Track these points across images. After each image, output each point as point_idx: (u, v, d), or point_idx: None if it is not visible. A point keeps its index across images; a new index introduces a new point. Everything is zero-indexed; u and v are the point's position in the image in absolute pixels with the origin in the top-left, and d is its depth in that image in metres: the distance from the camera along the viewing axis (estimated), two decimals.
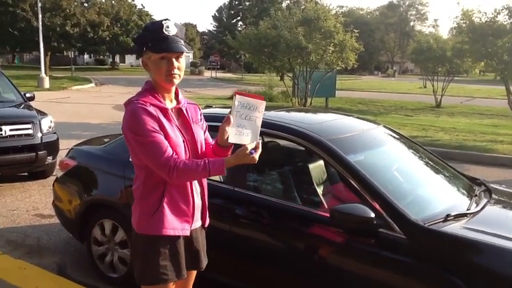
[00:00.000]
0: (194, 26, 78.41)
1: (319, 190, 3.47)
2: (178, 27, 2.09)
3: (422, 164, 3.61)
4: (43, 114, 6.95)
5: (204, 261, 2.36)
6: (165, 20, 2.08)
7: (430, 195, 3.14)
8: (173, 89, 2.17)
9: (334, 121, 3.74)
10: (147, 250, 2.15)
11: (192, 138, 2.18)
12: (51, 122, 6.86)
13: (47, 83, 24.17)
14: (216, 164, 2.05)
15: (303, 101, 15.64)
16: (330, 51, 14.31)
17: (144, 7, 52.64)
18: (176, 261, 2.18)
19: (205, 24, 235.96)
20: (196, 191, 2.24)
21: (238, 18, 69.05)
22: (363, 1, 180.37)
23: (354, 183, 2.78)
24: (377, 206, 2.62)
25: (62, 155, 4.49)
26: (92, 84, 28.51)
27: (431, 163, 3.59)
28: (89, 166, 4.07)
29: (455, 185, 3.39)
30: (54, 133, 6.82)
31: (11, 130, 6.16)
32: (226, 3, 71.70)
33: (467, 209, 2.85)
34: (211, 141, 2.30)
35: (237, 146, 2.09)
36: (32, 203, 5.60)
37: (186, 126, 2.19)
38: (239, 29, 48.50)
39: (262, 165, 3.45)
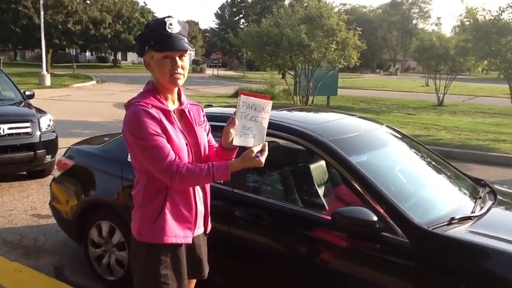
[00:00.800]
0: (196, 24, 78.31)
1: (321, 192, 3.40)
2: (182, 24, 2.00)
3: (426, 164, 3.54)
4: (42, 112, 6.89)
5: (206, 269, 2.30)
6: (168, 17, 1.99)
7: (434, 197, 3.06)
8: (176, 89, 2.09)
9: (336, 121, 3.67)
10: (148, 258, 2.08)
11: (195, 141, 2.10)
12: (50, 120, 6.80)
13: (48, 81, 24.14)
14: (221, 169, 1.96)
15: (304, 99, 15.56)
16: (332, 49, 14.20)
17: (146, 4, 52.83)
18: (177, 270, 2.11)
19: (208, 21, 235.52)
20: (199, 197, 2.16)
21: (241, 15, 69.01)
22: None
23: (356, 185, 2.71)
24: (380, 209, 2.55)
25: (61, 153, 4.43)
26: (93, 82, 28.48)
27: (435, 164, 3.52)
28: (87, 166, 4.01)
29: (459, 186, 3.31)
30: (53, 131, 6.77)
31: (9, 129, 6.10)
32: (229, 0, 71.62)
33: (472, 212, 2.78)
34: (214, 143, 2.22)
35: (242, 149, 2.01)
36: (30, 203, 5.55)
37: (188, 128, 2.10)
38: (241, 26, 48.33)
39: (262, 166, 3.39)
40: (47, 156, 6.41)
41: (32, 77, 26.16)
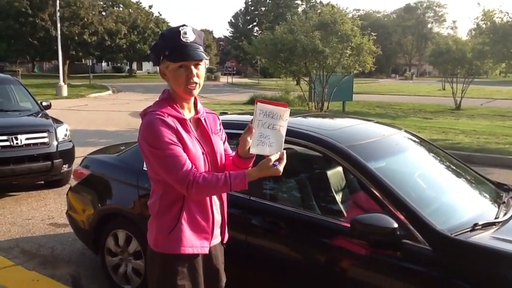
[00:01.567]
0: (211, 32, 78.81)
1: (338, 198, 3.34)
2: (197, 33, 1.97)
3: (446, 169, 3.46)
4: (59, 122, 6.96)
5: (223, 279, 2.26)
6: (183, 26, 1.96)
7: (456, 202, 2.98)
8: (192, 98, 2.06)
9: (353, 127, 3.61)
10: (164, 269, 2.04)
11: (212, 149, 2.07)
12: (67, 130, 6.86)
13: (65, 91, 24.50)
14: (238, 178, 1.92)
15: (319, 105, 15.48)
16: (347, 54, 14.14)
17: (161, 14, 53.49)
18: (194, 280, 2.07)
19: (222, 30, 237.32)
20: (216, 206, 2.12)
21: (254, 23, 69.23)
22: (379, 4, 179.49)
23: (375, 192, 2.65)
24: (400, 216, 2.49)
25: (77, 163, 4.45)
26: (109, 92, 28.79)
27: (455, 168, 3.43)
28: (103, 175, 4.01)
29: (481, 191, 3.22)
30: (70, 141, 6.82)
31: (26, 139, 6.16)
32: (242, 9, 72.02)
33: (496, 218, 2.70)
34: (230, 152, 2.19)
35: (260, 157, 1.96)
36: (48, 212, 5.58)
37: (205, 137, 2.07)
38: (255, 34, 48.57)
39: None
40: (64, 166, 6.45)
41: (49, 88, 26.59)
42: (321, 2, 55.97)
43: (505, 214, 2.77)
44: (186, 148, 1.94)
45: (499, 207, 2.88)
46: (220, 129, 2.20)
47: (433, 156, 3.54)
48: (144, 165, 3.64)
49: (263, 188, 3.15)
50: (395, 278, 2.47)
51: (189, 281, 2.05)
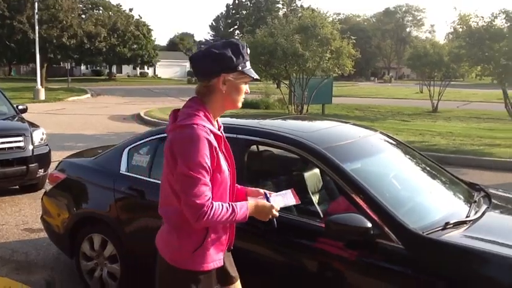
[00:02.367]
0: (192, 36, 78.67)
1: (315, 199, 3.36)
2: None
3: (420, 170, 3.51)
4: (35, 126, 6.85)
5: (233, 272, 2.26)
6: (237, 39, 2.03)
7: (428, 202, 3.03)
8: None
9: (330, 129, 3.64)
10: (182, 284, 2.00)
11: (233, 167, 2.08)
12: (43, 134, 6.76)
13: (42, 95, 24.06)
14: (242, 216, 1.97)
15: (299, 108, 15.57)
16: (327, 58, 14.25)
17: (141, 17, 52.97)
18: None
19: (203, 33, 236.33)
20: None
21: (235, 27, 69.29)
22: (359, 8, 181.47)
23: (350, 192, 2.68)
24: (374, 216, 2.52)
25: (54, 167, 4.38)
26: (88, 95, 28.42)
27: (429, 169, 3.49)
28: (79, 179, 3.97)
29: (453, 191, 3.28)
30: (46, 145, 6.72)
31: (1, 143, 6.05)
32: (224, 12, 72.05)
33: (467, 216, 2.75)
34: None
35: None
36: (22, 217, 5.48)
37: (228, 153, 2.07)
38: (236, 37, 48.57)
39: (256, 174, 3.36)
40: (40, 170, 6.35)
41: (26, 91, 26.11)
42: (301, 6, 56.41)
43: (476, 213, 2.83)
44: (219, 169, 1.93)
45: (470, 206, 2.94)
46: None
47: (408, 158, 3.59)
48: (121, 169, 3.66)
49: None
50: (370, 277, 2.50)
51: None
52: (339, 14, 70.53)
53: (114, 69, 57.61)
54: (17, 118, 7.12)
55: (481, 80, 19.37)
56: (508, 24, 11.91)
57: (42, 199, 4.23)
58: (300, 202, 2.26)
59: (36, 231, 4.98)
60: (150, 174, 3.42)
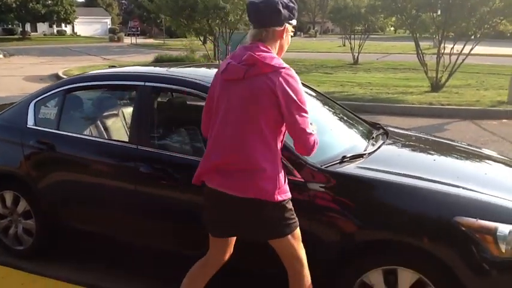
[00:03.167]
0: None
1: None
2: None
3: (325, 113, 3.70)
4: None
5: None
6: None
7: (329, 140, 3.23)
8: None
9: None
10: (290, 211, 2.26)
11: None
12: None
13: None
14: None
15: None
16: None
17: None
18: None
19: None
20: None
21: None
22: None
23: None
24: None
25: None
26: (0, 56, 26.46)
27: (334, 111, 3.71)
28: None
29: (355, 130, 3.52)
30: None
31: None
32: None
33: (364, 150, 3.00)
34: None
35: None
36: None
37: None
38: None
39: (164, 122, 3.40)
40: None
41: None
42: None
43: (373, 147, 3.09)
44: None
45: (368, 142, 3.19)
46: None
47: (313, 101, 3.77)
48: (29, 123, 3.54)
49: (151, 138, 3.17)
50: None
51: None
52: None
53: (28, 27, 53.68)
54: None
55: (397, 34, 20.16)
56: None
57: None
58: None
59: None
60: (58, 126, 3.37)
